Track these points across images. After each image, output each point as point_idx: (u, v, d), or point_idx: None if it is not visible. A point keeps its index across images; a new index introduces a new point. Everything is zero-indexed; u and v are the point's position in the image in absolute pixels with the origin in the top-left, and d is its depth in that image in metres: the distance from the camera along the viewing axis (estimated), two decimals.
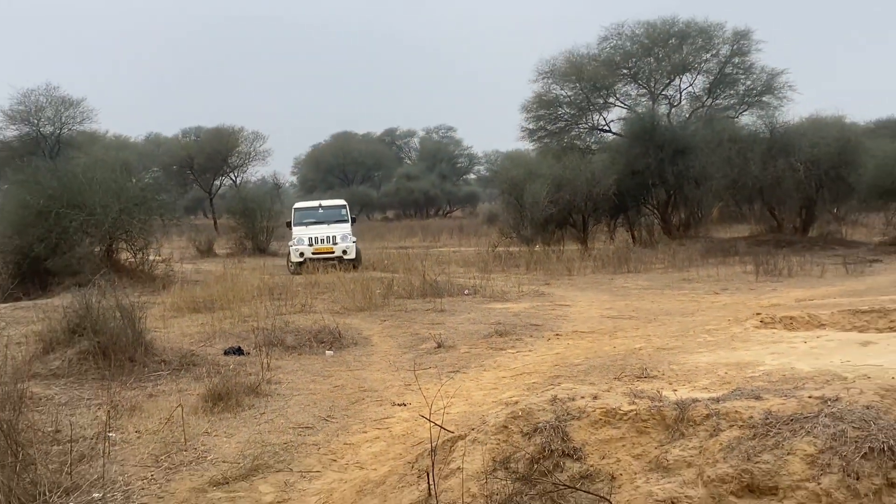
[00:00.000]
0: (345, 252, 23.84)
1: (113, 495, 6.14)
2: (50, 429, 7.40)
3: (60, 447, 6.86)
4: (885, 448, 4.34)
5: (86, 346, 9.94)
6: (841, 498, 4.22)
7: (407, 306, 15.55)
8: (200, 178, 58.77)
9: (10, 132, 46.76)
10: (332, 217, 25.70)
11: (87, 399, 8.70)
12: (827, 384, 6.26)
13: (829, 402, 4.80)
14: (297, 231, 24.86)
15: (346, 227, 25.18)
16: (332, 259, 23.49)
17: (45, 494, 5.88)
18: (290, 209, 27.07)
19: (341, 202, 27.52)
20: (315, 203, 27.07)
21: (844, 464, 4.30)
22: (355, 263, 23.87)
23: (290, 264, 24.10)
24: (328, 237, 24.22)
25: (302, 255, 23.53)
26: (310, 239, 24.01)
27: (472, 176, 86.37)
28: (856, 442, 4.39)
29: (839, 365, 8.00)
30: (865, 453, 4.33)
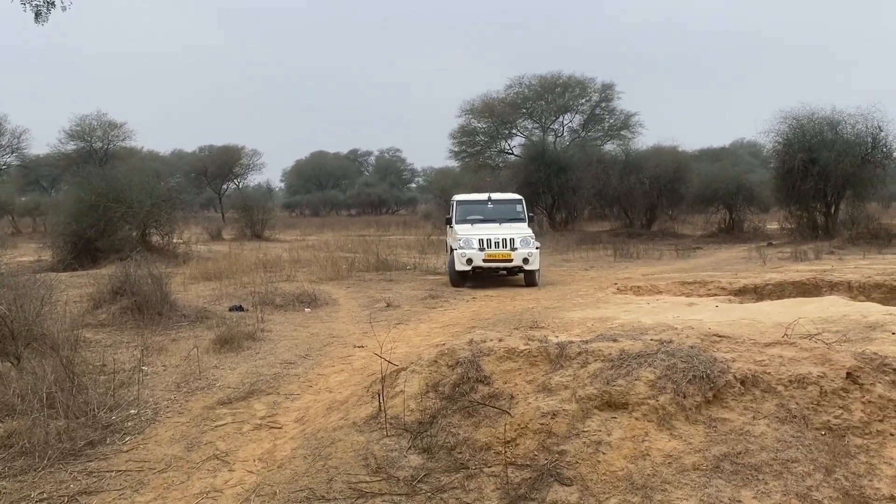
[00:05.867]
0: (525, 261, 13.94)
1: (145, 411, 6.01)
2: (98, 363, 7.20)
3: (106, 377, 6.68)
4: (704, 375, 4.42)
5: (125, 303, 9.74)
6: (672, 411, 4.28)
7: (365, 277, 15.44)
8: (212, 183, 57.95)
9: (70, 146, 45.66)
10: (505, 214, 15.50)
11: (126, 342, 8.50)
12: (663, 332, 6.37)
13: (664, 344, 4.86)
14: (461, 230, 14.83)
15: (524, 228, 14.88)
16: (508, 269, 14.34)
17: (94, 410, 5.75)
18: (453, 202, 16.27)
19: (517, 196, 16.50)
20: (483, 196, 16.26)
21: (675, 386, 4.37)
22: (535, 278, 14.17)
23: (451, 273, 14.47)
24: (504, 240, 14.20)
25: (470, 261, 14.00)
26: (480, 241, 14.18)
27: (413, 185, 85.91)
28: (683, 371, 4.46)
29: (672, 319, 8.17)
30: (690, 379, 4.40)
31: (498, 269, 14.35)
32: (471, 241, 14.25)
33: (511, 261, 14.06)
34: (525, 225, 15.12)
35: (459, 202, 15.94)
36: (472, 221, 15.23)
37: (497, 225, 14.95)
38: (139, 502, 4.45)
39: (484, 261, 14.08)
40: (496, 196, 16.23)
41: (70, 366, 6.23)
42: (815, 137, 23.01)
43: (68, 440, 5.19)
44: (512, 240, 14.21)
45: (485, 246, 14.18)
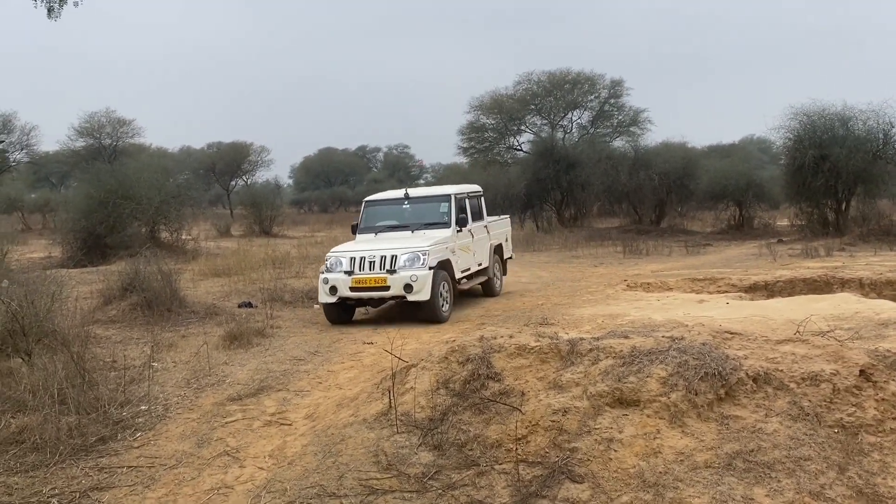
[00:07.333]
0: (408, 288, 9.36)
1: (155, 407, 6.04)
2: (108, 359, 7.24)
3: (116, 373, 6.72)
4: (716, 373, 4.40)
5: (135, 299, 9.80)
6: (684, 408, 4.27)
7: None
8: (220, 179, 58.11)
9: (79, 143, 45.95)
10: (424, 217, 10.85)
11: (136, 338, 8.54)
12: (674, 328, 6.35)
13: (676, 341, 4.85)
14: (353, 243, 10.77)
15: (435, 239, 10.09)
16: (385, 300, 9.89)
17: (104, 406, 5.78)
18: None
19: (444, 191, 11.45)
20: (399, 193, 11.53)
21: (687, 383, 4.35)
22: (434, 311, 9.59)
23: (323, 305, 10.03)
24: (383, 258, 9.62)
25: (335, 290, 9.62)
26: (352, 260, 9.75)
27: (421, 181, 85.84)
28: (695, 368, 4.44)
29: (682, 316, 8.14)
30: (702, 376, 4.38)
31: (372, 299, 9.91)
32: (340, 261, 9.91)
33: (387, 288, 9.52)
34: (447, 233, 10.46)
35: (368, 203, 11.57)
36: (379, 230, 10.96)
37: (409, 234, 10.56)
38: (150, 498, 4.46)
39: (351, 289, 9.62)
40: (415, 192, 11.61)
41: (81, 362, 6.26)
42: (826, 134, 22.85)
43: (79, 436, 5.22)
44: (393, 258, 9.63)
45: (356, 267, 9.73)
